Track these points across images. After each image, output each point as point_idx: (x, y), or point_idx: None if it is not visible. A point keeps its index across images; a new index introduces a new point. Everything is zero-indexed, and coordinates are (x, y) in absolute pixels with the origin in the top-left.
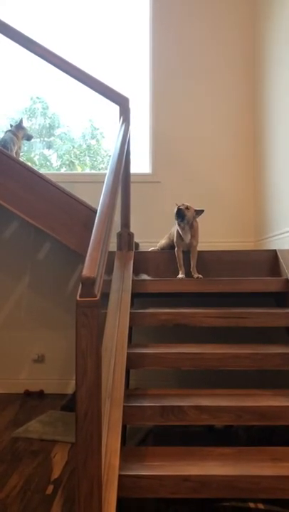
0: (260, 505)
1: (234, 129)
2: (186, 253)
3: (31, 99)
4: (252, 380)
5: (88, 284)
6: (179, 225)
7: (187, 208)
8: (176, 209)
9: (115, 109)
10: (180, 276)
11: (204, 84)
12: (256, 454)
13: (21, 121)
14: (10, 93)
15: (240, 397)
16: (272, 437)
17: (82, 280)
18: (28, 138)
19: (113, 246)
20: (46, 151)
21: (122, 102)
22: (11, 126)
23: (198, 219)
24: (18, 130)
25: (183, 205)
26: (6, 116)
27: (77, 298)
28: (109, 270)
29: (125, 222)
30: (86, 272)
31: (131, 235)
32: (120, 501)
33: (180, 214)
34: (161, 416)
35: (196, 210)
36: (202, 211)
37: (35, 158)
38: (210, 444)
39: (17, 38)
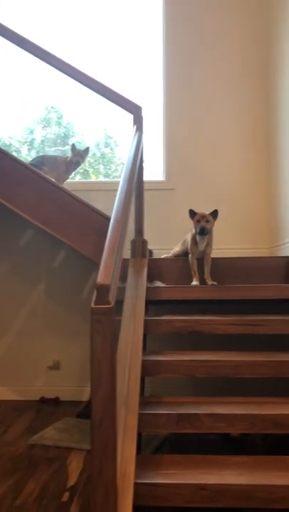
0: None
1: (248, 136)
2: (200, 260)
3: (46, 108)
4: (267, 388)
5: (102, 291)
6: (201, 237)
7: (208, 220)
8: (198, 227)
9: (129, 117)
10: (194, 283)
11: (218, 91)
12: (273, 463)
13: None
14: (25, 103)
15: (256, 405)
16: None
17: (97, 287)
18: None
19: (127, 253)
20: None
21: (135, 111)
22: None
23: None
24: None
25: (204, 218)
26: (22, 126)
27: (92, 305)
28: (123, 277)
29: (139, 230)
30: (100, 279)
31: (145, 242)
32: (136, 510)
33: (204, 231)
34: (177, 424)
35: (212, 215)
36: (216, 212)
37: None
38: (226, 452)
39: (34, 51)
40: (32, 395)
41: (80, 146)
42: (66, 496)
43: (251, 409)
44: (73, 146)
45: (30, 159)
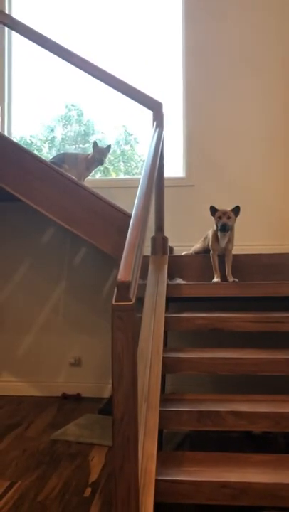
0: None
1: (270, 131)
2: (221, 257)
3: (66, 106)
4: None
5: (123, 288)
6: (222, 234)
7: (229, 217)
8: (220, 224)
9: (149, 114)
10: (215, 280)
11: (239, 86)
12: None
13: None
14: (46, 101)
15: (278, 403)
16: None
17: (118, 284)
18: None
19: (147, 250)
20: None
21: (155, 107)
22: None
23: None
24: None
25: (225, 214)
26: (43, 124)
27: (113, 302)
28: (143, 274)
29: (159, 227)
30: (121, 276)
31: (165, 239)
32: (157, 506)
33: (225, 228)
34: (198, 421)
35: (233, 212)
36: (238, 208)
37: None
38: (248, 450)
39: (55, 50)
40: (54, 391)
41: (101, 144)
42: (88, 491)
43: (273, 407)
44: (95, 144)
45: (50, 157)
